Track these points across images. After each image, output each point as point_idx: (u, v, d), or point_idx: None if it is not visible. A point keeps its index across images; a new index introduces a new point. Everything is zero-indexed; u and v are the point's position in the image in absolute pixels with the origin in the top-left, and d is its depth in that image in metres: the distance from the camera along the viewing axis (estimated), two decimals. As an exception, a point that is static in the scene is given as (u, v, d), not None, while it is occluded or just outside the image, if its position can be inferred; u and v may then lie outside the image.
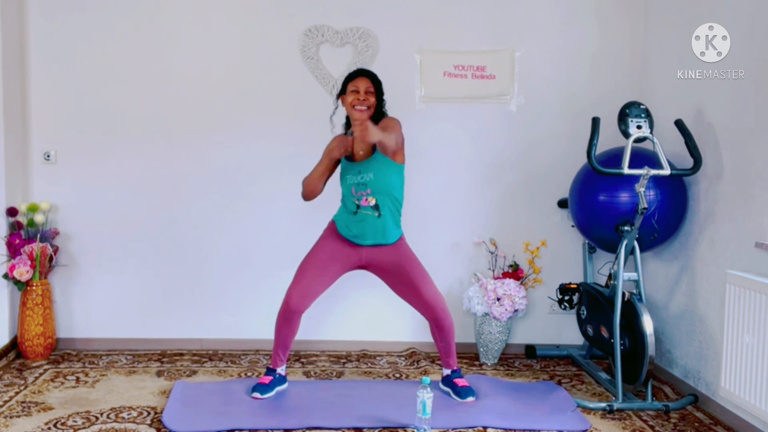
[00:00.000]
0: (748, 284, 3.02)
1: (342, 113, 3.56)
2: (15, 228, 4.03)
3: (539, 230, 4.33)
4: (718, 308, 3.39)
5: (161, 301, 4.28)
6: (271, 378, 3.52)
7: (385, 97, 3.51)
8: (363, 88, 3.40)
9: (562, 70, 4.29)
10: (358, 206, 3.41)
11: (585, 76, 4.29)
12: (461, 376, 3.59)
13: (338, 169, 3.55)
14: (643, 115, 3.54)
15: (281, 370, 3.56)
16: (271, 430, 3.11)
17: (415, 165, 4.07)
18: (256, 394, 3.44)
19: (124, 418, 3.21)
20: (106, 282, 4.26)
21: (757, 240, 3.13)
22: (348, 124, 3.55)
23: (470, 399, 3.45)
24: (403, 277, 3.48)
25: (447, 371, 3.61)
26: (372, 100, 3.41)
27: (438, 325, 3.52)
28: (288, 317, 3.44)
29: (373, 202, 3.41)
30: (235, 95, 4.23)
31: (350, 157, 3.46)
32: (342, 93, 3.48)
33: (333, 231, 3.50)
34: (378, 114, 3.46)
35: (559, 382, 3.85)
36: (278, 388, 3.53)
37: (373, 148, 3.42)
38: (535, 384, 3.81)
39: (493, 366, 4.14)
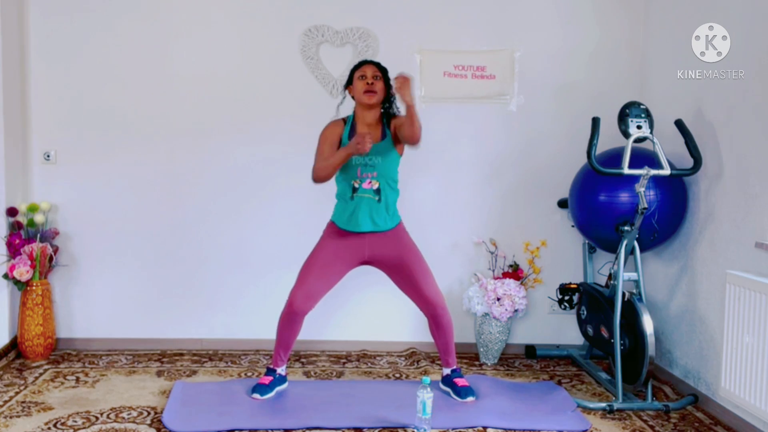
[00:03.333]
0: (748, 284, 3.02)
1: (345, 107, 3.59)
2: (15, 228, 4.03)
3: (539, 230, 4.33)
4: (718, 308, 3.39)
5: (161, 301, 4.28)
6: (271, 378, 3.52)
7: None
8: (370, 74, 3.43)
9: (562, 70, 4.29)
10: (355, 189, 3.40)
11: (585, 75, 4.29)
12: (461, 376, 3.59)
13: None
14: (643, 115, 3.54)
15: (281, 370, 3.56)
16: (271, 430, 3.11)
17: (415, 165, 4.07)
18: (256, 395, 3.44)
19: (124, 418, 3.21)
20: (106, 282, 4.26)
21: (757, 240, 3.13)
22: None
23: (470, 399, 3.46)
24: (405, 272, 3.48)
25: (447, 371, 3.61)
26: (380, 85, 3.43)
27: (436, 322, 3.52)
28: (292, 319, 3.43)
29: (376, 185, 3.41)
30: (234, 95, 4.23)
31: (352, 137, 3.43)
32: (349, 84, 3.51)
33: (332, 229, 3.50)
34: (387, 101, 3.48)
35: (559, 382, 3.85)
36: (278, 388, 3.53)
37: (382, 135, 3.44)
38: (535, 384, 3.81)
39: (493, 366, 4.14)
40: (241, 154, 4.24)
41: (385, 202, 3.44)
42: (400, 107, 3.52)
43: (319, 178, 3.41)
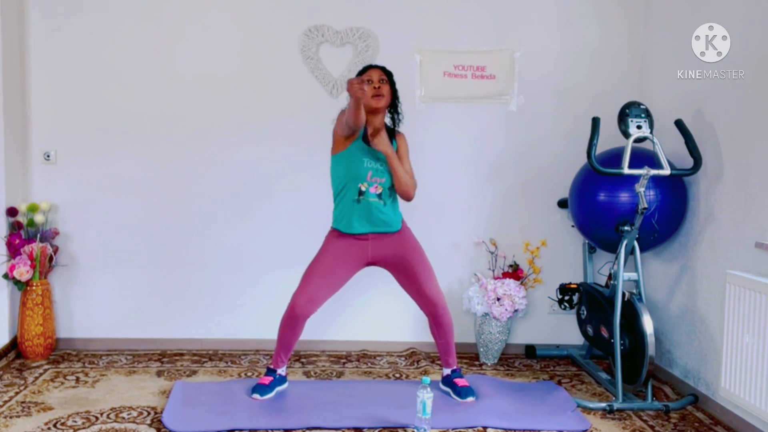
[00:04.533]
0: (748, 284, 3.02)
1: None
2: (15, 228, 4.03)
3: (539, 230, 4.33)
4: (718, 308, 3.39)
5: (161, 301, 4.28)
6: (271, 378, 3.52)
7: None
8: (376, 77, 3.42)
9: (562, 70, 4.29)
10: (362, 192, 3.40)
11: (585, 75, 4.29)
12: (461, 376, 3.59)
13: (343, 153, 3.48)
14: (643, 115, 3.54)
15: (282, 370, 3.56)
16: (271, 430, 3.11)
17: (415, 165, 4.05)
18: (256, 396, 3.44)
19: (124, 418, 3.21)
20: (106, 282, 4.25)
21: (757, 240, 3.13)
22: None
23: (470, 399, 3.46)
24: (407, 271, 3.48)
25: (447, 371, 3.61)
26: (387, 88, 3.43)
27: (437, 321, 3.52)
28: (293, 322, 3.43)
29: (380, 190, 3.42)
30: (234, 95, 4.23)
31: (367, 140, 3.42)
32: None
33: (335, 235, 3.49)
34: (393, 105, 3.49)
35: (559, 382, 3.85)
36: (278, 388, 3.53)
37: (391, 140, 3.45)
38: (535, 384, 3.81)
39: (493, 366, 4.14)
40: (240, 154, 4.24)
41: (390, 205, 3.46)
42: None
43: (352, 122, 3.26)
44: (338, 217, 3.49)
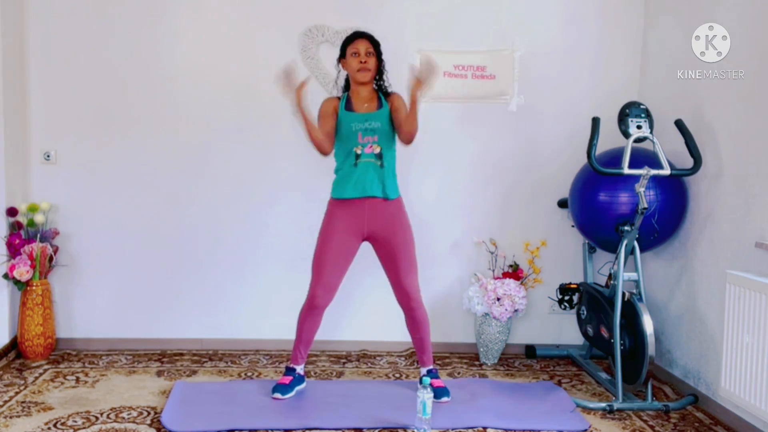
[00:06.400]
0: (748, 284, 3.02)
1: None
2: (15, 228, 4.03)
3: (539, 230, 4.33)
4: (718, 308, 3.39)
5: (161, 301, 4.28)
6: (291, 378, 3.52)
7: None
8: (363, 50, 3.42)
9: (562, 70, 4.29)
10: (358, 155, 3.39)
11: (585, 76, 4.29)
12: (437, 377, 3.58)
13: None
14: (643, 115, 3.54)
15: (300, 369, 3.56)
16: (271, 430, 3.11)
17: (415, 164, 4.08)
18: (278, 395, 3.43)
19: (124, 418, 3.21)
20: (106, 282, 4.25)
21: (757, 240, 3.13)
22: (347, 86, 3.57)
23: (445, 399, 3.44)
24: (391, 256, 3.47)
25: (423, 371, 3.60)
26: (373, 61, 3.44)
27: (410, 315, 3.53)
28: (314, 314, 3.46)
29: (377, 150, 3.41)
30: (234, 95, 4.22)
31: (350, 109, 3.44)
32: (342, 57, 3.50)
33: (333, 207, 3.48)
34: (379, 74, 3.49)
35: (559, 382, 3.85)
36: (298, 388, 3.54)
37: (379, 104, 3.45)
38: (534, 384, 3.81)
39: (493, 366, 4.14)
40: (241, 154, 4.24)
41: (388, 167, 3.44)
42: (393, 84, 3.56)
43: (316, 148, 3.44)
44: (337, 185, 3.48)
